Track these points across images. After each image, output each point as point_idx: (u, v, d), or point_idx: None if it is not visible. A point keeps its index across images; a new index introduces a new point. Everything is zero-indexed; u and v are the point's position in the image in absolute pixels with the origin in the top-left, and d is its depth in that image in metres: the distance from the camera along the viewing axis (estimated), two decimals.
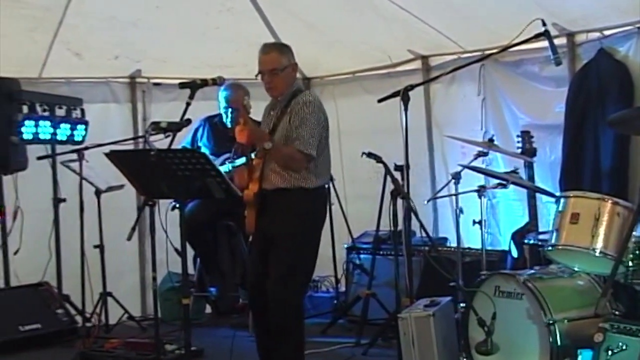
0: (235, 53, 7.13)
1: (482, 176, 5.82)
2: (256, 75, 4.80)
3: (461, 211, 5.82)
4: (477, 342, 4.68)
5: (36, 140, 6.41)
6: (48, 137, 6.45)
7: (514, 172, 5.54)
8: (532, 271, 4.88)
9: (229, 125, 6.45)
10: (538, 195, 5.75)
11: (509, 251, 6.01)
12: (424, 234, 5.19)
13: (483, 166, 6.12)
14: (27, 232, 6.54)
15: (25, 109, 6.34)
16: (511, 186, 5.53)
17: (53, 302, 6.40)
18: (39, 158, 6.44)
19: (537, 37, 4.60)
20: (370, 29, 6.92)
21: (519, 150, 5.85)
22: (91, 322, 6.39)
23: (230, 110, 6.48)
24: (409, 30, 6.74)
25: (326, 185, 4.98)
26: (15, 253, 6.50)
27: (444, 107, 7.17)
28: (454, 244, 6.22)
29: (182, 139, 6.48)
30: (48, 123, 6.42)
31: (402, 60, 7.30)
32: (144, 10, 6.75)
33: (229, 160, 6.14)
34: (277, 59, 4.76)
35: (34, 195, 6.70)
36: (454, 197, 5.87)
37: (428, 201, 6.58)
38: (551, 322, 4.43)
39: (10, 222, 6.48)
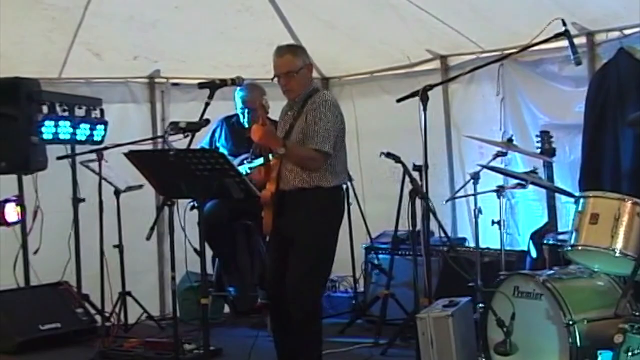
0: (253, 53, 7.13)
1: (500, 176, 5.81)
2: (272, 79, 4.81)
3: (480, 211, 5.78)
4: (496, 342, 4.67)
5: (56, 140, 6.43)
6: (68, 137, 6.47)
7: (533, 172, 5.51)
8: (552, 271, 4.85)
9: (246, 125, 6.45)
10: (557, 195, 5.73)
11: (528, 251, 5.97)
12: (442, 234, 5.19)
13: (502, 166, 6.10)
14: (46, 231, 6.54)
15: (45, 109, 6.36)
16: (530, 186, 5.50)
17: (72, 302, 6.44)
18: (59, 158, 6.46)
19: (557, 36, 4.59)
20: (389, 29, 6.90)
21: (538, 150, 5.82)
22: (110, 321, 6.42)
23: (246, 110, 6.48)
24: (428, 30, 6.72)
25: (344, 185, 4.98)
26: (35, 252, 6.52)
27: (462, 107, 7.14)
28: (472, 244, 6.21)
29: (200, 140, 6.49)
30: (68, 123, 6.44)
31: (420, 60, 7.27)
32: (163, 11, 6.77)
33: (247, 161, 6.17)
34: (291, 61, 4.75)
35: (54, 195, 6.73)
36: (472, 197, 5.84)
37: (447, 201, 6.55)
38: (571, 322, 4.40)
39: (30, 221, 6.48)
